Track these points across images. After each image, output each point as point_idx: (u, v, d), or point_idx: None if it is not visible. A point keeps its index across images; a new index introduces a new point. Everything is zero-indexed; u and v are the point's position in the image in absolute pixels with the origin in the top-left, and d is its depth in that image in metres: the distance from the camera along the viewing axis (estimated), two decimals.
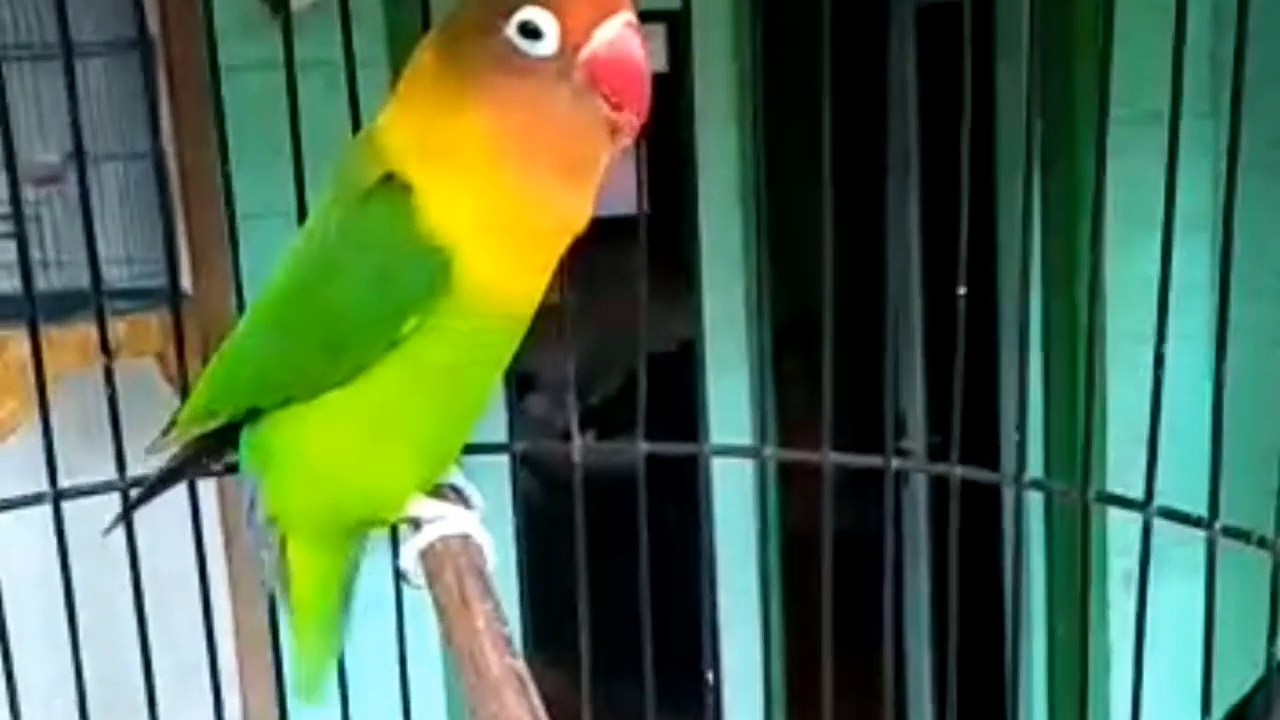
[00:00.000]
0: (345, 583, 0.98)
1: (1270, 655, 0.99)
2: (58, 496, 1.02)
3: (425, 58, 0.84)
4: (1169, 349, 1.08)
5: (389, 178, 0.82)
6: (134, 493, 1.03)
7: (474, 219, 0.82)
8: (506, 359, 0.91)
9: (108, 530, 1.02)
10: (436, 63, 0.83)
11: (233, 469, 0.97)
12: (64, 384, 1.52)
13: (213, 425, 0.94)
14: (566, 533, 1.16)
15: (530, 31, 0.79)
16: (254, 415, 0.92)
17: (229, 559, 1.95)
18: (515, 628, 0.84)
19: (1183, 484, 1.12)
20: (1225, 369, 1.03)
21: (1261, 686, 1.33)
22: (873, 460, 1.10)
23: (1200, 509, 1.07)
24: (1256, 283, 2.16)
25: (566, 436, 1.15)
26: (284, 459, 0.91)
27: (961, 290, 1.07)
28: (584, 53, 0.80)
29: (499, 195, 0.82)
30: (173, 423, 0.97)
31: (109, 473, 1.07)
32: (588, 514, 1.16)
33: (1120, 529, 2.21)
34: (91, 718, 1.13)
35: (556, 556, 1.24)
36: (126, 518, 1.03)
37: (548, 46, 0.80)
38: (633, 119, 0.82)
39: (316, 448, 0.89)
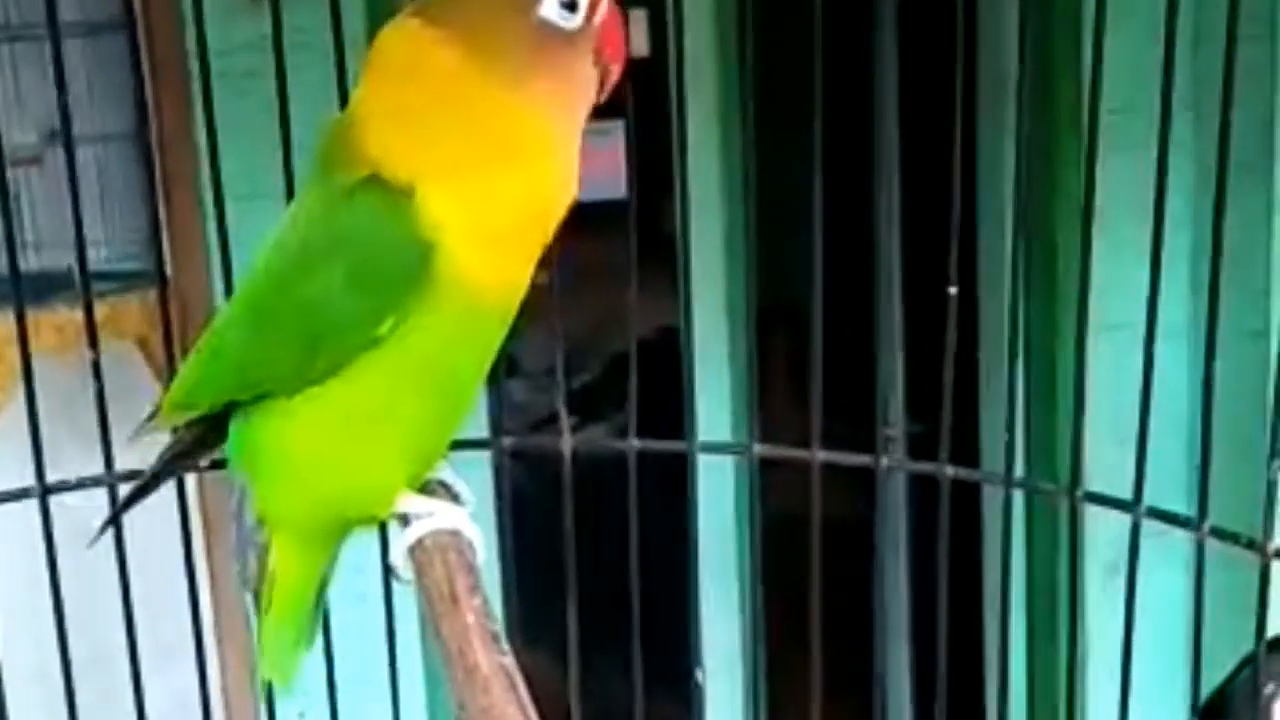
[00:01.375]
0: (325, 579, 0.97)
1: (1256, 660, 1.00)
2: (45, 492, 1.01)
3: (437, 52, 0.81)
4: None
5: (372, 176, 0.82)
6: (122, 488, 1.02)
7: (472, 212, 0.82)
8: (494, 351, 0.91)
9: (94, 539, 1.01)
10: (456, 57, 0.81)
11: (219, 465, 0.96)
12: (40, 366, 1.50)
13: (192, 416, 0.93)
14: (553, 526, 1.15)
15: (569, 5, 0.83)
16: (235, 409, 0.91)
17: (208, 542, 1.94)
18: (501, 621, 0.84)
19: (1164, 481, 1.13)
20: (1214, 369, 1.03)
21: (1239, 672, 1.34)
22: (861, 459, 1.10)
23: (1179, 507, 1.08)
24: (1241, 281, 2.17)
25: (549, 421, 1.15)
26: (271, 459, 0.90)
27: (952, 289, 1.07)
28: (597, 16, 0.84)
29: (518, 181, 0.82)
30: (155, 410, 0.95)
31: (89, 455, 1.06)
32: (574, 506, 1.15)
33: (1100, 527, 2.22)
34: (76, 702, 1.12)
35: (542, 549, 1.23)
36: (115, 521, 1.02)
37: (580, 17, 0.83)
38: (617, 72, 0.87)
39: (303, 447, 0.89)
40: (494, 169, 0.82)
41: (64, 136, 1.02)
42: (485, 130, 0.82)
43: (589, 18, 0.84)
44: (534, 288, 0.91)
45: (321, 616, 1.00)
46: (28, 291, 1.63)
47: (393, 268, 0.81)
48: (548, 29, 0.82)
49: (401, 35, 0.83)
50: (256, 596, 0.96)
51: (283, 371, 0.86)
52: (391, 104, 0.83)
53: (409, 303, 0.82)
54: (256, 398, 0.89)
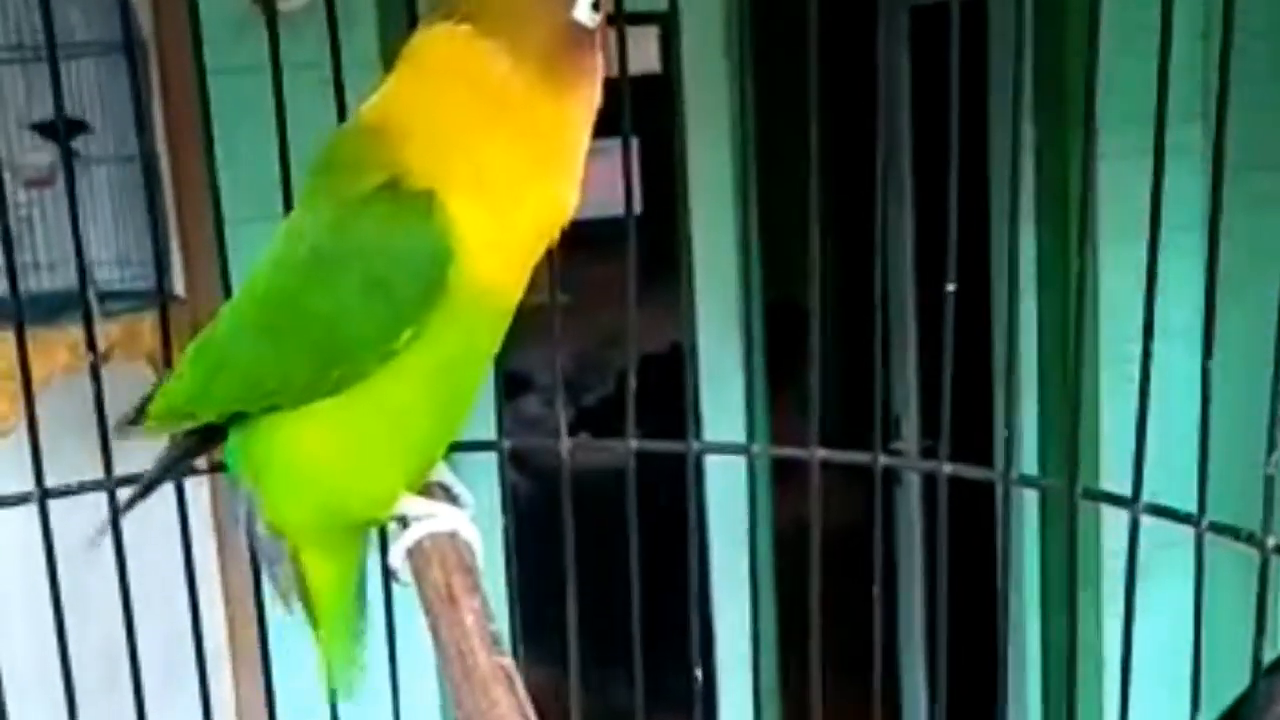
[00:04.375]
0: (359, 579, 0.97)
1: (1257, 652, 0.99)
2: (44, 495, 1.02)
3: (485, 60, 0.81)
4: (1160, 348, 1.08)
5: (390, 182, 0.81)
6: (121, 492, 1.03)
7: (491, 219, 0.81)
8: (495, 351, 0.91)
9: (95, 541, 1.01)
10: (508, 67, 0.81)
11: (219, 467, 0.96)
12: (56, 385, 1.51)
13: (193, 425, 0.92)
14: (557, 530, 1.16)
15: (595, 3, 0.83)
16: (239, 418, 0.91)
17: (219, 551, 1.95)
18: (504, 625, 0.84)
19: (1175, 481, 1.12)
20: (1211, 366, 1.03)
21: (1255, 687, 1.33)
22: (862, 457, 1.10)
23: (1193, 506, 1.07)
24: (1246, 281, 2.16)
25: (559, 434, 1.15)
26: (276, 467, 0.90)
27: (950, 287, 1.06)
28: (601, 11, 0.85)
29: (545, 184, 0.83)
30: (141, 410, 0.95)
31: (100, 474, 1.06)
32: (579, 512, 1.16)
33: (1116, 527, 2.20)
34: (80, 713, 1.12)
35: (547, 554, 1.24)
36: (115, 524, 1.02)
37: (600, 15, 0.84)
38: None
39: (310, 454, 0.88)
40: (525, 176, 0.82)
41: (63, 154, 1.04)
42: (528, 138, 0.82)
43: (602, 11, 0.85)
44: (545, 306, 0.91)
45: (368, 616, 1.00)
46: (40, 311, 1.66)
47: (411, 279, 0.80)
48: (578, 31, 0.83)
49: (448, 42, 0.82)
50: (305, 607, 0.96)
51: (296, 385, 0.85)
52: (428, 108, 0.82)
53: (426, 314, 0.81)
54: (265, 408, 0.88)
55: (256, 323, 0.88)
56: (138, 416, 0.95)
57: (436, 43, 0.83)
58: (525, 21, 0.82)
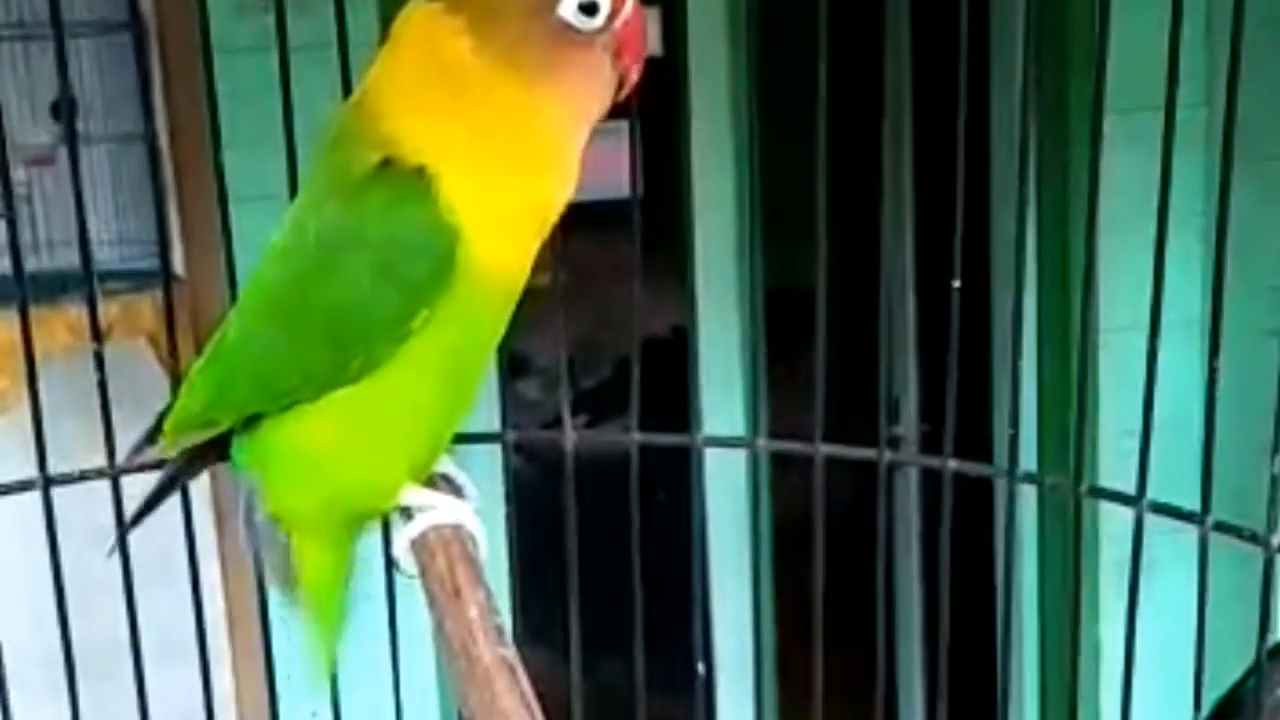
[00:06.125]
0: (348, 570, 0.97)
1: (1259, 653, 1.00)
2: (47, 483, 1.02)
3: (453, 41, 0.82)
4: (1162, 342, 1.08)
5: (387, 162, 0.81)
6: (124, 480, 1.03)
7: (488, 200, 0.82)
8: (500, 336, 0.91)
9: (110, 552, 1.01)
10: (469, 47, 0.81)
11: (224, 457, 0.96)
12: (55, 364, 1.51)
13: (212, 434, 0.92)
14: (559, 520, 1.16)
15: (588, 8, 0.83)
16: (253, 418, 0.90)
17: (220, 538, 1.95)
18: (506, 616, 0.84)
19: (1176, 478, 1.12)
20: (1218, 363, 1.03)
21: (1249, 677, 1.33)
22: (866, 453, 1.10)
23: (1194, 503, 1.07)
24: (1250, 276, 2.16)
25: (559, 421, 1.15)
26: (284, 458, 0.90)
27: (956, 283, 1.06)
28: (619, 19, 0.84)
29: (523, 172, 0.83)
30: (157, 427, 0.95)
31: (100, 451, 1.06)
32: (580, 501, 1.16)
33: (1114, 522, 2.21)
34: (80, 696, 1.12)
35: (549, 544, 1.24)
36: (122, 539, 1.02)
37: (600, 20, 0.83)
38: (636, 74, 0.87)
39: (318, 446, 0.88)
40: (503, 161, 0.82)
41: (67, 133, 1.03)
42: (496, 124, 0.82)
43: (610, 19, 0.84)
44: (546, 289, 0.90)
45: (349, 606, 1.00)
46: (41, 290, 1.66)
47: (421, 255, 0.81)
48: (566, 29, 0.82)
49: (421, 18, 0.83)
50: (289, 593, 0.96)
51: (314, 379, 0.85)
52: (407, 86, 0.83)
53: (438, 292, 0.81)
54: (280, 408, 0.88)
55: (271, 318, 0.88)
56: (152, 436, 0.95)
57: (413, 19, 0.84)
58: (502, 10, 0.82)
